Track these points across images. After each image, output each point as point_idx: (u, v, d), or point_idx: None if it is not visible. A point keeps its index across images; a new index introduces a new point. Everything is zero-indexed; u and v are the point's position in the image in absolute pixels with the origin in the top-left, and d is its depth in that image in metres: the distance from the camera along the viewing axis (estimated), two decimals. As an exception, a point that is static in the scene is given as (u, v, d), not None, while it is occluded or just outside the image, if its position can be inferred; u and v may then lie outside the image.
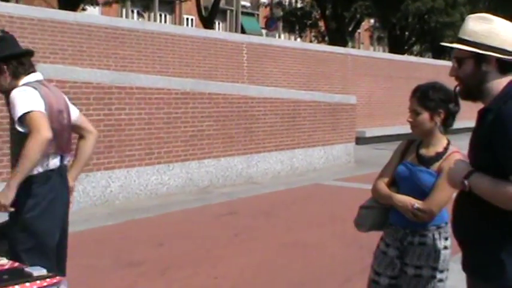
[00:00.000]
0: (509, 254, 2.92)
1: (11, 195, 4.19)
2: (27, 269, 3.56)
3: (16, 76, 4.51)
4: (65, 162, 4.68)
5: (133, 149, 11.52)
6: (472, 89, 3.11)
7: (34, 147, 4.15)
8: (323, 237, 9.00)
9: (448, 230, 3.76)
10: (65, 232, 4.75)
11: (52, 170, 4.48)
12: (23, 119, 4.28)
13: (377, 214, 4.11)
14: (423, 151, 3.98)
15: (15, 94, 4.38)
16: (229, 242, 8.71)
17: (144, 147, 11.72)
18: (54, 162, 4.49)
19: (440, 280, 3.89)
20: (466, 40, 3.08)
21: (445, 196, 3.78)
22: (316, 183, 14.00)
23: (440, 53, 40.65)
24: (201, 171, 12.90)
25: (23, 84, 4.47)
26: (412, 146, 4.08)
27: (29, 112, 4.26)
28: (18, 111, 4.28)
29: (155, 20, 43.91)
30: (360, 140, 20.68)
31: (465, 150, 3.29)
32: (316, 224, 9.81)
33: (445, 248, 3.91)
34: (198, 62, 17.76)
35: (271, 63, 20.31)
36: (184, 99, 12.53)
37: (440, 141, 3.96)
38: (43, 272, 3.52)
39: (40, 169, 4.38)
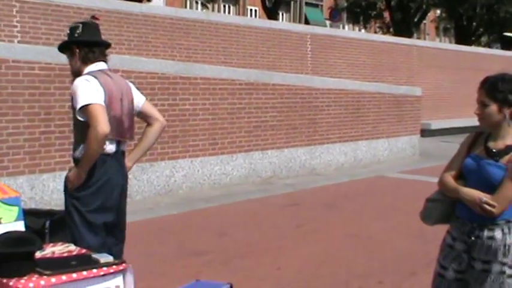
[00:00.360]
0: None
1: (83, 177, 4.54)
2: (94, 256, 3.62)
3: (84, 62, 4.77)
4: (122, 148, 4.80)
5: (197, 139, 11.60)
6: None
7: (94, 141, 4.44)
8: (387, 229, 8.92)
9: (519, 224, 3.67)
10: (121, 215, 4.87)
11: (108, 155, 4.64)
12: (83, 109, 4.51)
13: (443, 207, 4.04)
14: (491, 144, 3.89)
15: (77, 84, 4.60)
16: (292, 233, 8.70)
17: (208, 138, 11.78)
18: (110, 148, 4.66)
19: (510, 276, 3.79)
20: None
21: (514, 190, 3.69)
22: (380, 176, 13.88)
23: (509, 44, 39.73)
24: (264, 162, 12.91)
25: (87, 73, 4.68)
26: (480, 138, 3.99)
27: (88, 104, 4.47)
28: (79, 102, 4.50)
29: (219, 11, 44.09)
30: (425, 133, 20.41)
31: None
32: (380, 216, 9.73)
33: (515, 242, 3.81)
34: (262, 53, 17.77)
35: (336, 54, 20.20)
36: (248, 89, 12.56)
37: (510, 134, 3.85)
38: (109, 259, 3.57)
39: None
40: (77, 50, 4.75)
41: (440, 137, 21.18)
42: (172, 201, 10.64)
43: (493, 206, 3.70)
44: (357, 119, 15.33)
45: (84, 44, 4.75)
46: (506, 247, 3.77)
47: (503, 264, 3.77)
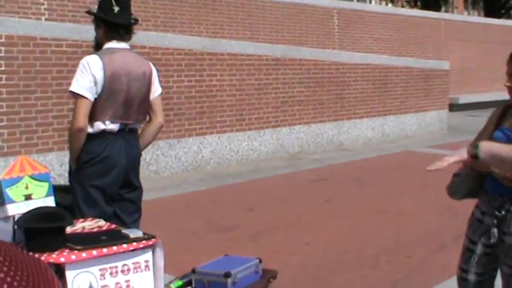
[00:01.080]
0: None
1: (73, 163, 4.78)
2: (124, 231, 3.65)
3: (107, 38, 4.81)
4: (132, 126, 4.84)
5: (225, 115, 11.62)
6: None
7: (71, 135, 4.70)
8: (415, 204, 8.89)
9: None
10: (131, 190, 4.90)
11: (110, 133, 4.70)
12: (72, 95, 4.68)
13: (471, 181, 3.98)
14: (521, 116, 3.83)
15: (80, 63, 4.68)
16: (320, 208, 8.71)
17: (235, 113, 11.79)
18: (111, 127, 4.69)
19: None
20: None
21: (546, 163, 3.62)
22: (408, 150, 13.82)
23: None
24: (292, 137, 12.91)
25: (101, 51, 4.76)
26: (509, 111, 3.91)
27: (75, 94, 4.60)
28: (71, 86, 4.65)
29: (245, -13, 43.90)
30: (453, 107, 20.28)
31: None
32: (408, 191, 9.70)
33: (548, 216, 3.75)
34: (288, 28, 17.70)
35: (362, 29, 20.07)
36: (275, 65, 12.53)
37: (540, 106, 3.80)
38: (139, 234, 3.60)
39: (94, 130, 4.65)
40: (104, 27, 4.78)
41: (468, 111, 21.02)
42: (200, 177, 10.68)
43: (525, 179, 3.64)
44: (385, 94, 15.25)
45: (107, 22, 4.77)
46: (537, 221, 3.72)
47: (534, 238, 3.73)
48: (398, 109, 15.67)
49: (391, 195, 9.44)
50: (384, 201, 9.09)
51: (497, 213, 3.80)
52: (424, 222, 7.92)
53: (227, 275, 4.16)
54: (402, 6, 39.51)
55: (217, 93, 11.48)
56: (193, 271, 4.32)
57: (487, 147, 2.98)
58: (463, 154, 3.26)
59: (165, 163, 10.67)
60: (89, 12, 4.98)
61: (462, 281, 3.96)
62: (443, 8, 37.44)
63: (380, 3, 46.44)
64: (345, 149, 13.78)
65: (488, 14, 35.62)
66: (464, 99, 22.07)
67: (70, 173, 4.86)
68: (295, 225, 7.80)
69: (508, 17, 39.28)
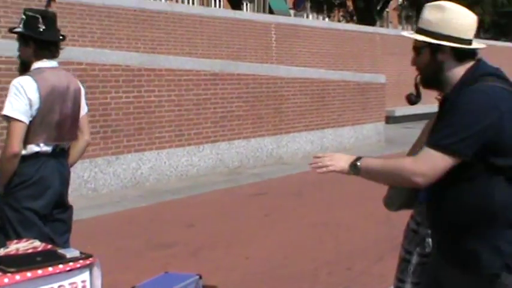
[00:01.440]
0: (485, 241, 2.82)
1: (1, 191, 4.55)
2: (61, 251, 3.59)
3: (36, 56, 4.65)
4: (63, 146, 4.75)
5: (163, 130, 11.56)
6: (430, 78, 3.15)
7: (4, 160, 4.48)
8: (354, 216, 8.98)
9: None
10: (63, 210, 4.81)
11: (43, 154, 4.59)
12: (5, 118, 4.50)
13: (406, 193, 4.04)
14: (452, 129, 3.90)
15: (11, 86, 4.51)
16: (260, 223, 8.72)
17: (174, 129, 11.75)
18: (45, 149, 4.60)
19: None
20: (422, 29, 3.15)
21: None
22: (347, 163, 13.93)
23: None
24: (231, 152, 12.91)
25: (32, 71, 4.60)
26: (441, 123, 4.00)
27: (9, 118, 4.45)
28: (4, 109, 4.47)
29: (183, 2, 43.88)
30: (390, 119, 20.56)
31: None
32: (347, 204, 9.78)
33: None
34: (226, 43, 17.74)
35: (300, 44, 20.23)
36: (213, 80, 12.54)
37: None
38: (76, 253, 3.55)
39: (27, 152, 4.52)
40: (34, 45, 4.63)
41: (404, 123, 21.35)
42: (139, 194, 10.60)
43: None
44: (323, 107, 15.38)
45: (35, 40, 4.62)
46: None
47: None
48: (336, 122, 15.82)
49: (331, 208, 9.51)
50: (323, 214, 9.15)
51: (431, 223, 3.86)
52: (363, 234, 8.00)
53: (166, 292, 4.13)
54: (338, 21, 40.00)
55: (155, 109, 11.43)
56: (132, 289, 4.28)
57: (364, 163, 3.11)
58: (343, 167, 3.34)
59: (104, 180, 10.55)
60: (12, 30, 4.76)
61: (399, 291, 4.01)
62: (378, 23, 38.02)
63: (317, 18, 46.91)
64: (284, 163, 13.84)
65: (422, 28, 36.27)
66: (400, 111, 22.42)
67: (2, 197, 4.64)
68: (235, 240, 7.80)
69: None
